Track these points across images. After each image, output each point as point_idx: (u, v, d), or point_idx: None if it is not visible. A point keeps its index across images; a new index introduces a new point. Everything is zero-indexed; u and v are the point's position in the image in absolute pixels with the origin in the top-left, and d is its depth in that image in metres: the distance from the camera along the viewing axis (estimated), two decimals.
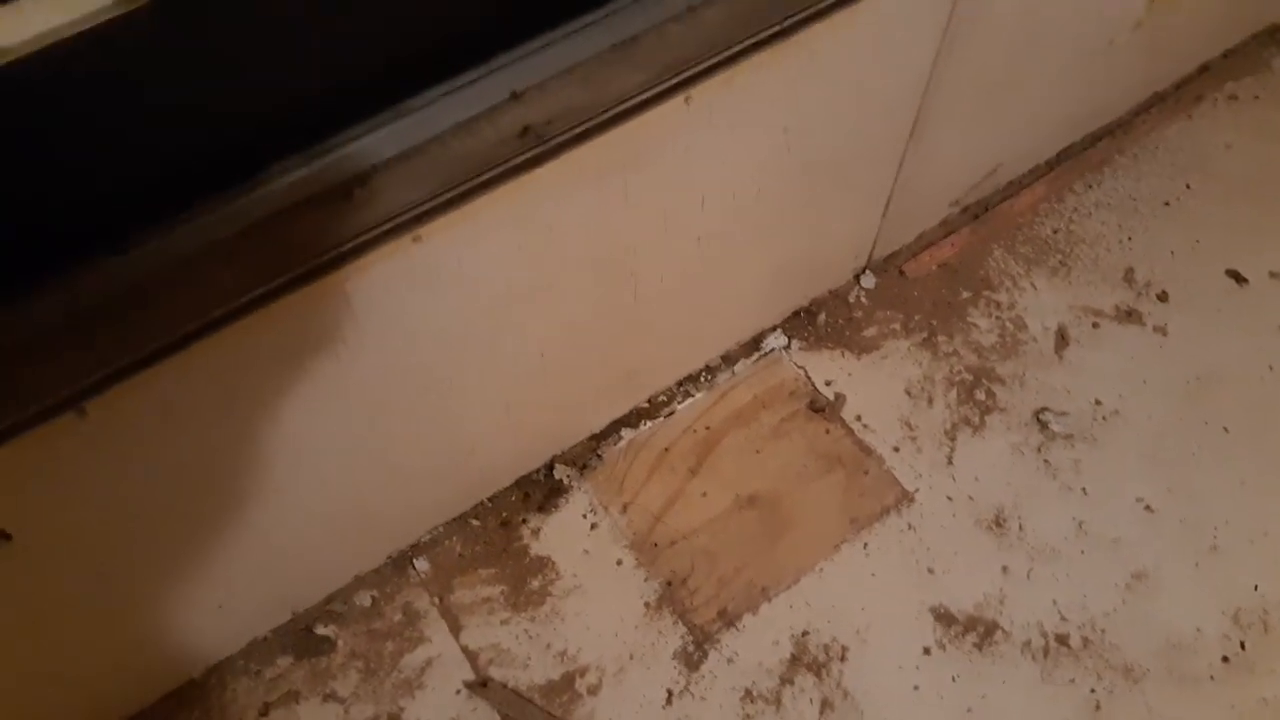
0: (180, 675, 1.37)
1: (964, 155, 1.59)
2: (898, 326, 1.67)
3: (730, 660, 1.41)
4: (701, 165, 1.14)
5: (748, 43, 1.03)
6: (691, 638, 1.42)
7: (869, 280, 1.70)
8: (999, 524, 1.50)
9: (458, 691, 1.38)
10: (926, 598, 1.45)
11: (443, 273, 1.00)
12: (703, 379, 1.61)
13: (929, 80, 1.30)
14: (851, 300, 1.69)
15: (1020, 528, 1.50)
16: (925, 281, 1.71)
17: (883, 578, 1.47)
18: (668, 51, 1.00)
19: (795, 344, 1.65)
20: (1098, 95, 1.74)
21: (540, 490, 1.52)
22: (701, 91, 1.04)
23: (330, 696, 1.38)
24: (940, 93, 1.34)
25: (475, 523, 1.49)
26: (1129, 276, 1.72)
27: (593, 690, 1.39)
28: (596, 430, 1.56)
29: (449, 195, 0.93)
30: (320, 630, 1.42)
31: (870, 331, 1.66)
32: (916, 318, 1.68)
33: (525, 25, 0.98)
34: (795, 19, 1.04)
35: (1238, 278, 1.72)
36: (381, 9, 0.86)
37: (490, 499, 1.51)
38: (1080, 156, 1.84)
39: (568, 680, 1.39)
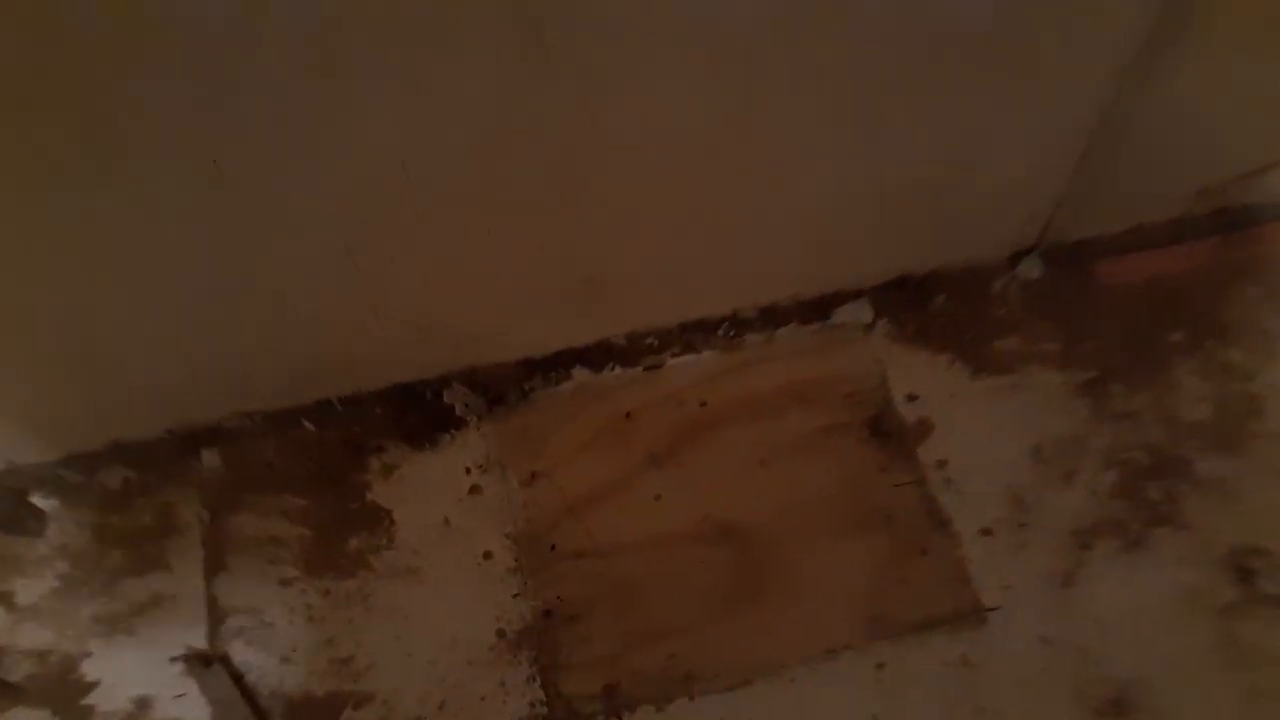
0: None
1: (1234, 116, 0.95)
2: (1055, 349, 1.04)
3: None
4: None
5: None
6: (547, 711, 0.87)
7: (1032, 267, 1.08)
8: (1119, 713, 0.87)
9: (172, 659, 0.88)
10: None
11: None
12: (721, 331, 1.04)
13: None
14: (995, 289, 1.07)
15: None
16: (1122, 296, 1.07)
17: None
18: None
19: (883, 325, 1.05)
20: None
21: (420, 412, 0.99)
22: None
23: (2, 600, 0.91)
24: None
25: (310, 427, 0.99)
26: None
27: None
28: (536, 355, 1.02)
29: None
30: (37, 500, 0.95)
31: (1008, 343, 1.04)
32: (1088, 345, 1.04)
33: None
34: None
35: None
36: None
37: (344, 401, 1.00)
38: None
39: (334, 705, 0.87)
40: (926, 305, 1.06)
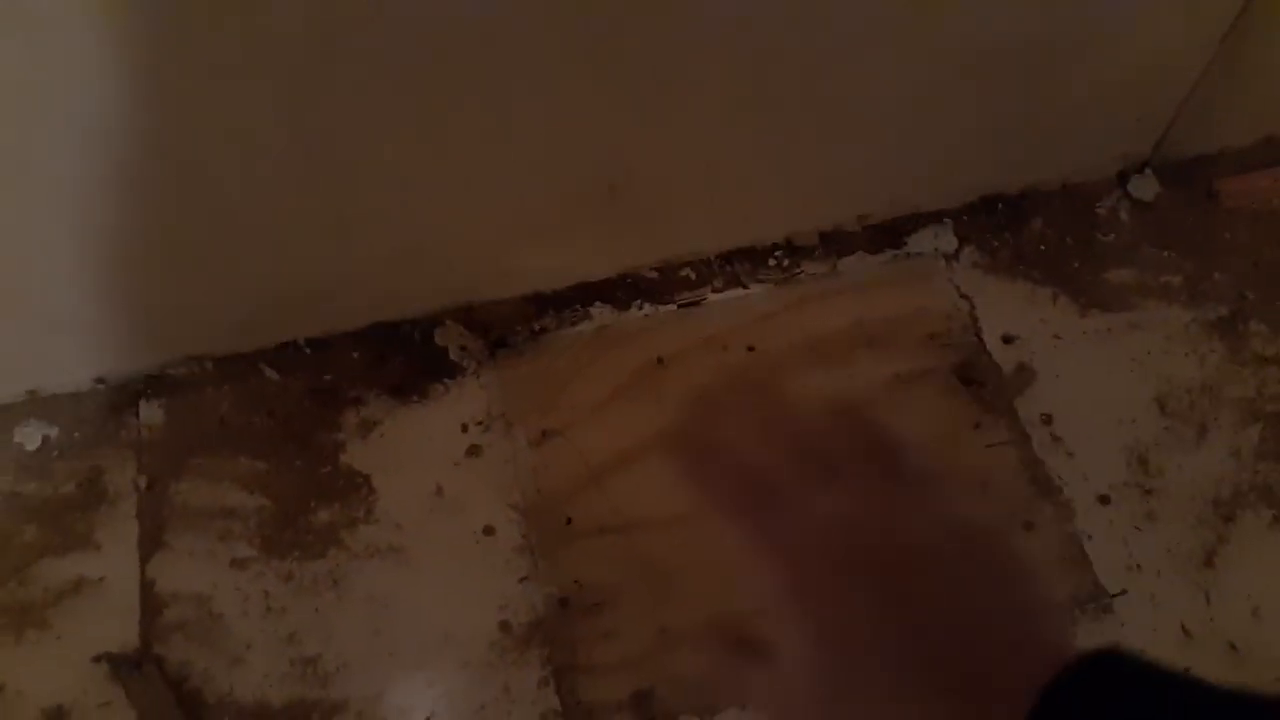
0: None
1: None
2: (1178, 281, 0.86)
3: None
4: None
5: None
6: None
7: (1144, 186, 0.89)
8: None
9: (95, 659, 0.71)
10: None
11: None
12: (772, 262, 0.86)
13: None
14: (1102, 211, 0.89)
15: None
16: (1253, 220, 0.89)
17: None
18: None
19: (970, 254, 0.87)
20: None
21: (406, 357, 0.81)
22: None
23: None
24: None
25: (271, 374, 0.81)
26: None
27: None
28: (547, 289, 0.84)
29: None
30: None
31: (1122, 275, 0.86)
32: (1218, 278, 0.86)
33: None
34: None
35: None
36: None
37: (313, 343, 0.82)
38: None
39: (295, 716, 0.69)
40: (1021, 230, 0.88)
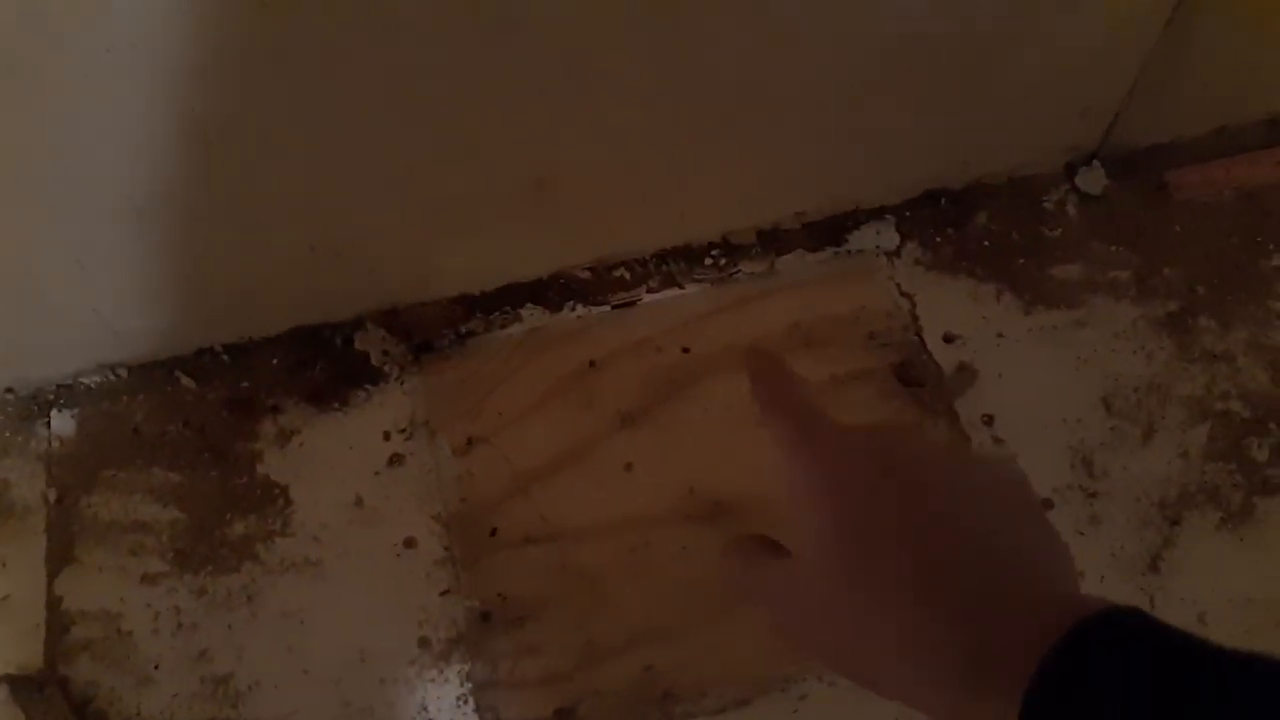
0: None
1: None
2: (1126, 277, 0.83)
3: None
4: None
5: None
6: None
7: (1091, 179, 0.87)
8: None
9: None
10: None
11: None
12: (709, 261, 0.84)
13: None
14: (1049, 205, 0.86)
15: None
16: (1205, 212, 0.87)
17: None
18: None
19: (912, 250, 0.84)
20: None
21: (327, 363, 0.79)
22: None
23: None
24: None
25: (187, 382, 0.78)
26: None
27: None
28: (475, 290, 0.81)
29: None
30: None
31: (1068, 270, 0.84)
32: (1168, 273, 0.84)
33: None
34: None
35: None
36: None
37: (231, 349, 0.79)
38: None
39: None
40: (965, 225, 0.85)
